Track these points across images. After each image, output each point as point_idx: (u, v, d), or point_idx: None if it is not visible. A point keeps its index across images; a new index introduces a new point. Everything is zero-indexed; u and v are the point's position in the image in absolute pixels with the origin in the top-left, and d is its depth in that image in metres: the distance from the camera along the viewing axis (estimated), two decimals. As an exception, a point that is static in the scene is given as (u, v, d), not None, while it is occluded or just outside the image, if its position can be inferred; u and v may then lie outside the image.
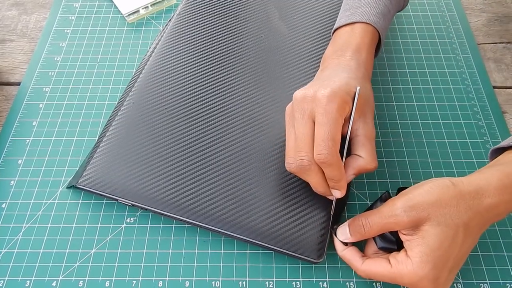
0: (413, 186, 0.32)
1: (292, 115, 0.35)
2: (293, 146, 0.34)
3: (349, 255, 0.34)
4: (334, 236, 0.35)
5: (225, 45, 0.47)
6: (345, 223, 0.34)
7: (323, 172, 0.34)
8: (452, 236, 0.30)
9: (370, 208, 0.35)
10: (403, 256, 0.31)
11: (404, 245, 0.31)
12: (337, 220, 0.38)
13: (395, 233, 0.33)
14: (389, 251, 0.33)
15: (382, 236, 0.33)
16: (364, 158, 0.35)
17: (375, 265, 0.32)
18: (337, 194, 0.35)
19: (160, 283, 0.36)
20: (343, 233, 0.34)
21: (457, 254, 0.30)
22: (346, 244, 0.34)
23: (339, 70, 0.38)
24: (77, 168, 0.41)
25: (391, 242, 0.33)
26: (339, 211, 0.38)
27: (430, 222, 0.30)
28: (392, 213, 0.31)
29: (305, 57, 0.46)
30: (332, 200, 0.36)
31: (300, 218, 0.36)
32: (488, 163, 0.35)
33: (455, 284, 0.36)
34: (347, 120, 0.35)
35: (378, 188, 0.41)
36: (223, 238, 0.38)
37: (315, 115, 0.33)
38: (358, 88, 0.35)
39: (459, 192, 0.30)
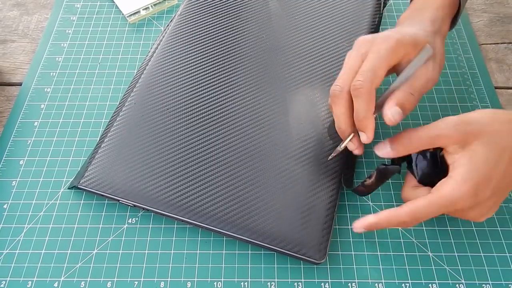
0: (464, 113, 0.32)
1: (349, 53, 0.36)
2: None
3: (385, 214, 0.33)
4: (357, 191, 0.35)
5: (226, 45, 0.47)
6: (383, 141, 0.33)
7: (352, 108, 0.34)
8: (499, 157, 0.30)
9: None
10: (445, 179, 0.31)
11: (450, 168, 0.31)
12: (350, 181, 0.39)
13: (436, 168, 0.32)
14: (429, 183, 0.32)
15: (422, 169, 0.33)
16: (414, 97, 0.34)
17: (418, 194, 0.32)
18: (363, 136, 0.34)
19: (162, 284, 0.36)
20: (382, 147, 0.33)
21: (501, 176, 0.30)
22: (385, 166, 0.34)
23: (411, 25, 0.37)
24: (79, 169, 0.41)
25: (432, 173, 0.32)
26: (349, 175, 0.39)
27: (481, 141, 0.30)
28: (445, 125, 0.31)
29: (306, 58, 0.46)
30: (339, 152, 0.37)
31: (302, 218, 0.36)
32: None
33: (456, 285, 0.36)
34: (401, 67, 0.34)
35: (379, 188, 0.40)
36: (225, 238, 0.38)
37: (367, 56, 0.34)
38: (428, 46, 0.34)
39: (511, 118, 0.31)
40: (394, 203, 0.40)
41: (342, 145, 0.36)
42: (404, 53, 0.34)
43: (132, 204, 0.37)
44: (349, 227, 0.39)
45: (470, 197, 0.30)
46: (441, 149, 0.33)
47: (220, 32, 0.48)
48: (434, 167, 0.32)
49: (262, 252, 0.37)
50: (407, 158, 0.35)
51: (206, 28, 0.48)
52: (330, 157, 0.38)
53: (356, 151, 0.36)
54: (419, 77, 0.34)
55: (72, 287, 0.35)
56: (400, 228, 0.38)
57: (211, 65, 0.45)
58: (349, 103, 0.34)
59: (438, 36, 0.37)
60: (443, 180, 0.31)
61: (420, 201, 0.31)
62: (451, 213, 0.32)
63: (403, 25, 0.38)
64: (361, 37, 0.36)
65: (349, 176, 0.40)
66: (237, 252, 0.37)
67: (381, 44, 0.34)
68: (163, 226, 0.38)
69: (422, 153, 0.34)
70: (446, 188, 0.30)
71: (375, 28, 0.49)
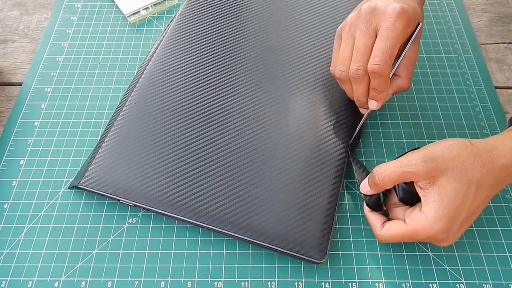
0: (432, 143, 0.34)
1: (355, 25, 0.37)
2: (348, 56, 0.37)
3: (372, 218, 0.35)
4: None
5: (226, 45, 0.47)
6: (365, 180, 0.36)
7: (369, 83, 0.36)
8: (465, 192, 0.31)
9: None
10: (418, 213, 0.32)
11: (421, 200, 0.32)
12: (353, 149, 0.41)
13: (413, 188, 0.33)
14: (409, 202, 0.34)
15: (403, 189, 0.34)
16: (402, 78, 0.38)
17: (392, 228, 0.33)
18: (374, 105, 0.37)
19: (162, 284, 0.36)
20: (364, 185, 0.35)
21: (468, 208, 0.31)
22: (371, 202, 0.35)
23: None
24: (79, 169, 0.41)
25: (412, 194, 0.34)
26: (354, 145, 0.42)
27: (447, 176, 0.31)
28: (411, 162, 0.32)
29: (307, 57, 0.46)
30: (357, 121, 0.40)
31: (302, 218, 0.36)
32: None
33: (457, 285, 0.36)
34: (403, 42, 0.37)
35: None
36: (225, 238, 0.38)
37: (379, 29, 0.35)
38: (421, 24, 0.37)
39: (476, 151, 0.32)
40: (395, 203, 0.40)
41: (364, 118, 0.40)
42: (411, 30, 0.36)
43: (133, 204, 0.37)
44: (349, 227, 0.39)
45: (442, 233, 0.31)
46: None
47: (220, 32, 0.48)
48: (413, 190, 0.33)
49: (263, 252, 0.37)
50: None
51: (206, 28, 0.48)
52: (357, 129, 0.41)
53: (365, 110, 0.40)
54: (411, 57, 0.38)
55: (73, 287, 0.35)
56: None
57: (211, 65, 0.45)
58: (368, 80, 0.37)
59: (420, 5, 0.39)
60: (416, 212, 0.32)
61: (396, 231, 0.33)
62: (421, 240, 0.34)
63: None
64: (366, 5, 0.36)
65: (355, 143, 0.42)
66: (237, 252, 0.37)
67: (395, 21, 0.35)
68: (163, 226, 0.38)
69: None
70: (420, 223, 0.32)
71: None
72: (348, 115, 0.42)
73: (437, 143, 0.33)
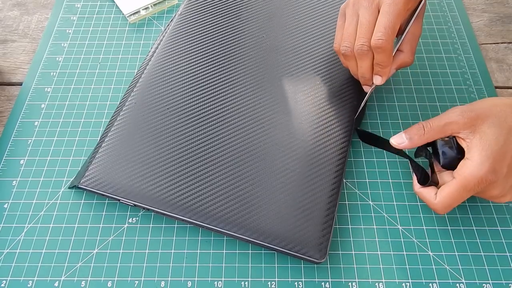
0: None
1: (358, 2, 0.38)
2: (353, 32, 0.38)
3: (424, 193, 0.36)
4: (414, 175, 0.37)
5: (226, 45, 0.47)
6: (400, 132, 0.36)
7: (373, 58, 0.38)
8: (506, 135, 0.33)
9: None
10: (463, 162, 0.33)
11: (465, 151, 0.34)
12: (359, 121, 0.43)
13: (456, 151, 0.35)
14: (452, 166, 0.35)
15: (444, 153, 0.35)
16: (405, 53, 0.40)
17: (444, 190, 0.34)
18: (378, 80, 0.39)
19: (163, 283, 0.36)
20: (399, 138, 0.36)
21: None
22: (421, 177, 0.36)
23: None
24: (79, 168, 0.41)
25: (453, 157, 0.35)
26: (359, 120, 0.43)
27: (487, 123, 0.33)
28: (452, 115, 0.34)
29: (306, 57, 0.46)
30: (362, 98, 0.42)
31: (302, 218, 0.36)
32: None
33: (457, 285, 0.36)
34: (406, 17, 0.38)
35: (380, 188, 0.40)
36: (225, 238, 0.38)
37: (381, 5, 0.37)
38: (424, 0, 0.39)
39: (510, 102, 0.34)
40: (395, 203, 0.40)
41: (368, 94, 0.42)
42: (412, 5, 0.37)
43: (133, 204, 0.37)
44: (349, 227, 0.39)
45: (490, 173, 0.32)
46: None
47: (220, 31, 0.48)
48: (455, 152, 0.35)
49: (263, 251, 0.37)
50: (430, 145, 0.37)
51: (206, 28, 0.48)
52: (361, 105, 0.42)
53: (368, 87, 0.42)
54: (414, 33, 0.40)
55: (73, 286, 0.35)
56: (400, 228, 0.38)
57: (211, 65, 0.45)
58: (372, 56, 0.38)
59: None
60: (461, 163, 0.34)
61: (450, 190, 0.34)
62: (478, 193, 0.34)
63: None
64: None
65: (361, 115, 0.43)
66: (237, 251, 0.37)
67: None
68: (163, 225, 0.38)
69: (442, 140, 0.36)
70: (467, 170, 0.33)
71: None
72: (348, 115, 0.42)
73: (474, 101, 0.35)
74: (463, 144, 0.34)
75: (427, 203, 0.36)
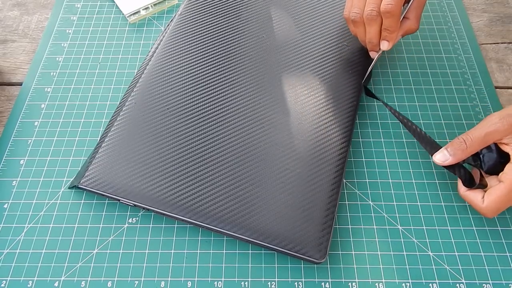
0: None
1: None
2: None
3: (471, 196, 0.36)
4: (459, 178, 0.37)
5: (226, 45, 0.47)
6: (441, 148, 0.37)
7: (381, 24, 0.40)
8: None
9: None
10: (510, 166, 0.33)
11: (510, 156, 0.34)
12: (367, 81, 0.45)
13: (497, 156, 0.35)
14: (496, 170, 0.35)
15: (487, 158, 0.35)
16: (411, 20, 0.42)
17: (492, 194, 0.34)
18: (385, 45, 0.41)
19: (162, 284, 0.36)
20: (442, 155, 0.36)
21: None
22: (466, 180, 0.36)
23: None
24: (79, 169, 0.41)
25: (496, 161, 0.35)
26: (369, 76, 0.45)
27: None
28: (491, 123, 0.34)
29: (307, 57, 0.46)
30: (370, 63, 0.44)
31: (302, 218, 0.36)
32: None
33: (457, 285, 0.36)
34: None
35: (380, 188, 0.40)
36: (225, 238, 0.38)
37: None
38: None
39: None
40: (395, 203, 0.40)
41: (375, 60, 0.44)
42: None
43: (133, 204, 0.37)
44: (349, 227, 0.39)
45: None
46: None
47: (220, 31, 0.48)
48: (497, 157, 0.35)
49: (263, 251, 0.37)
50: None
51: (207, 28, 0.48)
52: (370, 69, 0.45)
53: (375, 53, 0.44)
54: (420, 0, 0.42)
55: (73, 286, 0.35)
56: (400, 228, 0.38)
57: (211, 65, 0.45)
58: (381, 22, 0.40)
59: None
60: (508, 166, 0.34)
61: (498, 193, 0.34)
62: None
63: None
64: None
65: (369, 77, 0.45)
66: (237, 251, 0.37)
67: None
68: (163, 225, 0.38)
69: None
70: None
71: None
72: (350, 113, 0.42)
73: (507, 107, 0.36)
74: (506, 149, 0.34)
75: (474, 206, 0.36)
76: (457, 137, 0.36)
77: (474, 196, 0.36)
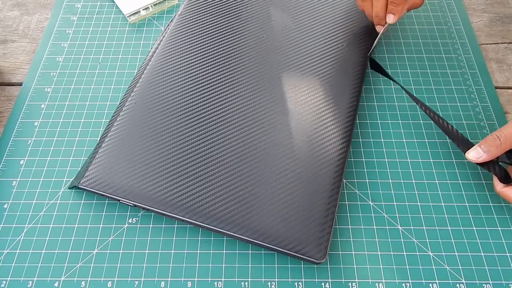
0: None
1: None
2: None
3: (510, 192, 0.35)
4: (494, 175, 0.37)
5: (226, 45, 0.47)
6: (474, 146, 0.36)
7: None
8: None
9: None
10: None
11: None
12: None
13: None
14: None
15: None
16: None
17: None
18: (391, 18, 0.43)
19: (162, 284, 0.36)
20: (476, 153, 0.36)
21: None
22: (502, 176, 0.35)
23: None
24: (79, 169, 0.41)
25: None
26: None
27: None
28: None
29: (307, 57, 0.46)
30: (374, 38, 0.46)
31: (302, 218, 0.36)
32: None
33: (457, 285, 0.36)
34: None
35: (380, 188, 0.40)
36: (225, 238, 0.38)
37: None
38: None
39: None
40: (395, 203, 0.40)
41: (380, 34, 0.46)
42: None
43: (133, 204, 0.37)
44: (349, 227, 0.39)
45: None
46: None
47: (220, 32, 0.48)
48: None
49: (263, 252, 0.37)
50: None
51: (207, 28, 0.48)
52: (375, 43, 0.47)
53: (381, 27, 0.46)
54: None
55: (73, 287, 0.35)
56: (400, 228, 0.38)
57: (211, 65, 0.45)
58: None
59: None
60: None
61: None
62: None
63: None
64: None
65: (373, 51, 0.47)
66: (237, 252, 0.37)
67: None
68: (163, 226, 0.38)
69: None
70: None
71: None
72: (350, 113, 0.42)
73: None
74: None
75: (511, 201, 0.36)
76: (490, 134, 0.35)
77: None
